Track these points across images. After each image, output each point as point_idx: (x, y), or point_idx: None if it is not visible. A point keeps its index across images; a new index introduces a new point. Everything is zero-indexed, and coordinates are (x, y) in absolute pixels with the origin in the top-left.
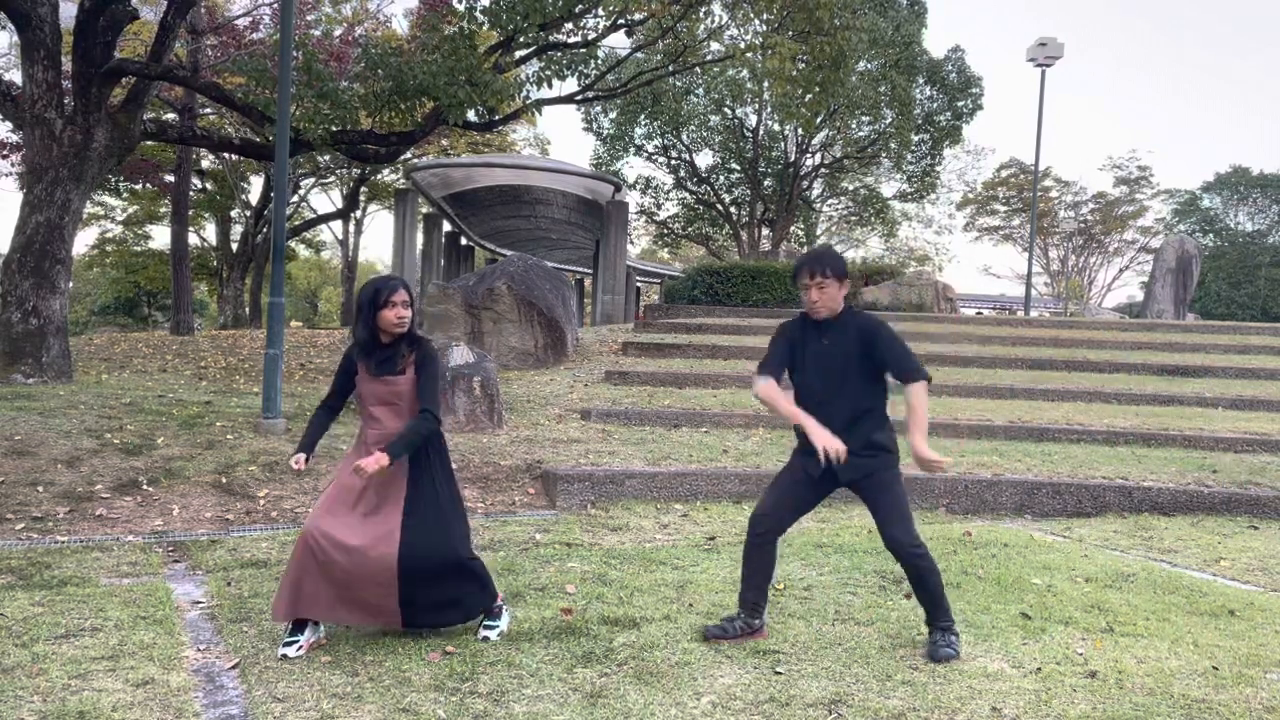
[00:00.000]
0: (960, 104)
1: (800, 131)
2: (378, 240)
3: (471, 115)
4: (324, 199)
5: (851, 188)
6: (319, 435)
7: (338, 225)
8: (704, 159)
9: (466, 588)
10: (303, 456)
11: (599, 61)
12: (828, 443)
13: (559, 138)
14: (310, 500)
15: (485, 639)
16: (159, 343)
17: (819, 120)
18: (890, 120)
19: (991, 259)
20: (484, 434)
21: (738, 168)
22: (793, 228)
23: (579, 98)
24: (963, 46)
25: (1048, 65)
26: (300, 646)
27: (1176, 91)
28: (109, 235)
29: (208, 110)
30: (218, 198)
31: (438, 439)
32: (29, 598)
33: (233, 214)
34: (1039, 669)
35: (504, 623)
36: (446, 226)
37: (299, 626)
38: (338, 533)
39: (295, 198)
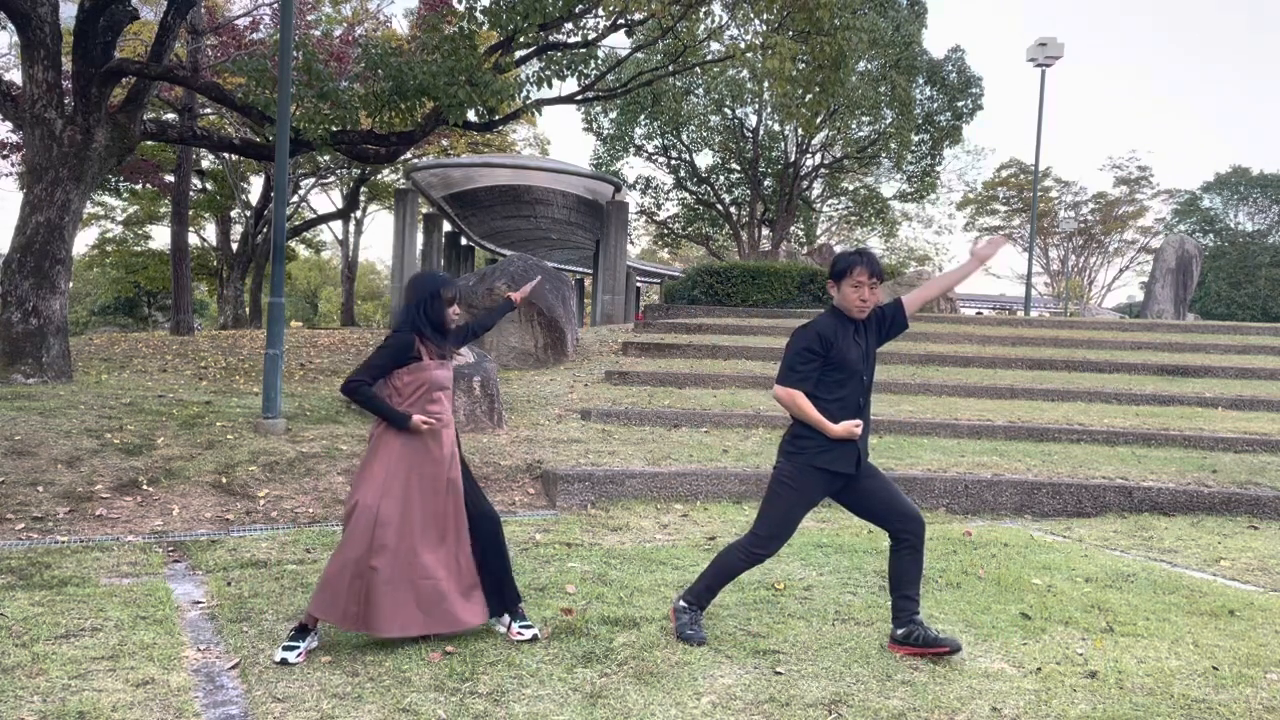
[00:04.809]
0: (960, 104)
1: (800, 131)
2: (378, 240)
3: (471, 115)
4: (324, 199)
5: (851, 188)
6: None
7: (338, 225)
8: (704, 159)
9: (507, 559)
10: (419, 417)
11: (599, 61)
12: (850, 430)
13: (559, 138)
14: (310, 500)
15: (535, 639)
16: (159, 343)
17: (819, 120)
18: (890, 120)
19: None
20: (484, 434)
21: (738, 168)
22: (793, 228)
23: (579, 98)
24: (963, 46)
25: (1048, 65)
26: (300, 653)
27: (1177, 91)
28: (109, 235)
29: (208, 110)
30: (218, 198)
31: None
32: (29, 598)
33: (233, 214)
34: (1039, 669)
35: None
36: (446, 226)
37: (301, 632)
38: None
39: (295, 198)
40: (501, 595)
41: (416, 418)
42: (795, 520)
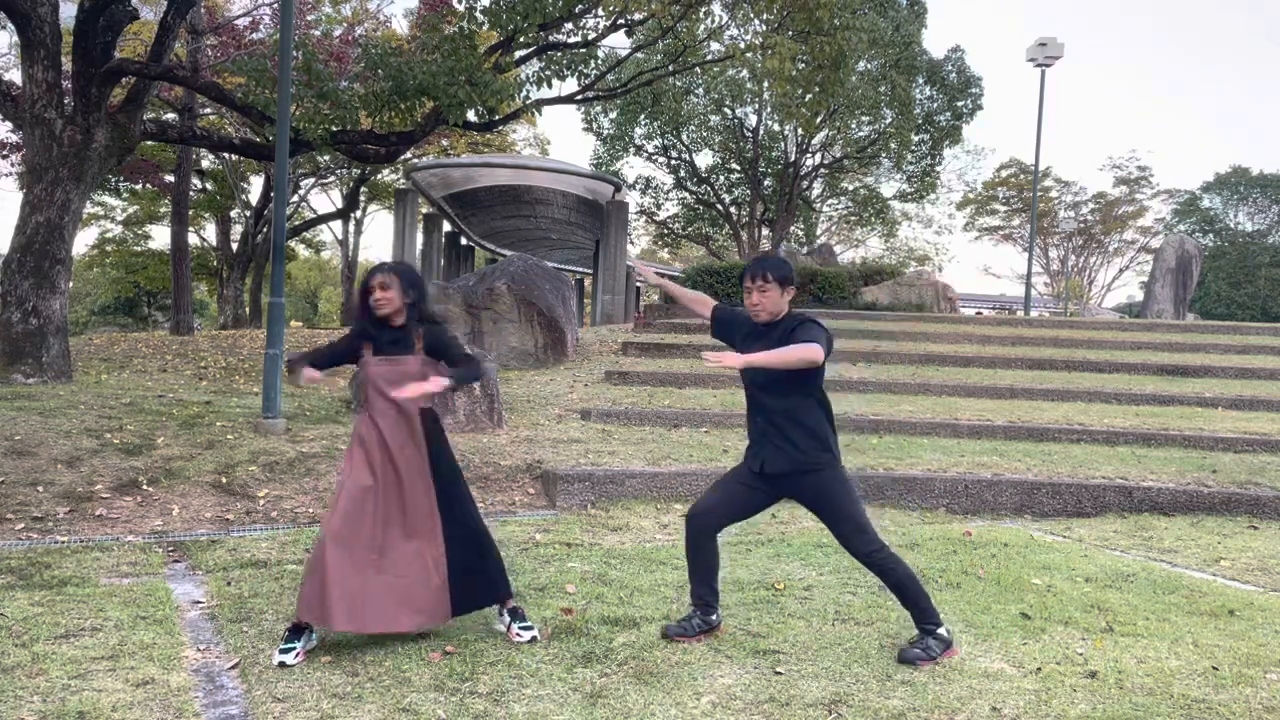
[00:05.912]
0: (960, 104)
1: (800, 131)
2: (378, 240)
3: (471, 115)
4: (324, 199)
5: (851, 188)
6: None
7: (338, 225)
8: (704, 159)
9: (492, 561)
10: (316, 373)
11: (599, 61)
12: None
13: (559, 138)
14: (310, 500)
15: (534, 639)
16: (159, 343)
17: (819, 120)
18: (890, 120)
19: (991, 259)
20: (484, 434)
21: (738, 168)
22: (793, 228)
23: (579, 98)
24: (963, 46)
25: (1048, 65)
26: (298, 653)
27: (1177, 91)
28: (109, 235)
29: (208, 110)
30: (218, 198)
31: (439, 425)
32: (29, 598)
33: (233, 214)
34: (1039, 669)
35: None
36: (446, 226)
37: (296, 632)
38: (363, 531)
39: (295, 198)
40: (477, 592)
41: (306, 372)
42: (722, 489)
